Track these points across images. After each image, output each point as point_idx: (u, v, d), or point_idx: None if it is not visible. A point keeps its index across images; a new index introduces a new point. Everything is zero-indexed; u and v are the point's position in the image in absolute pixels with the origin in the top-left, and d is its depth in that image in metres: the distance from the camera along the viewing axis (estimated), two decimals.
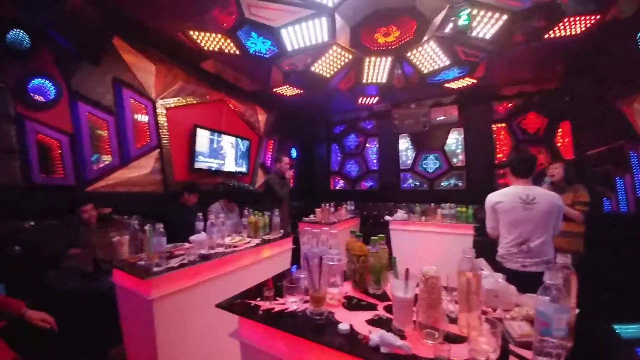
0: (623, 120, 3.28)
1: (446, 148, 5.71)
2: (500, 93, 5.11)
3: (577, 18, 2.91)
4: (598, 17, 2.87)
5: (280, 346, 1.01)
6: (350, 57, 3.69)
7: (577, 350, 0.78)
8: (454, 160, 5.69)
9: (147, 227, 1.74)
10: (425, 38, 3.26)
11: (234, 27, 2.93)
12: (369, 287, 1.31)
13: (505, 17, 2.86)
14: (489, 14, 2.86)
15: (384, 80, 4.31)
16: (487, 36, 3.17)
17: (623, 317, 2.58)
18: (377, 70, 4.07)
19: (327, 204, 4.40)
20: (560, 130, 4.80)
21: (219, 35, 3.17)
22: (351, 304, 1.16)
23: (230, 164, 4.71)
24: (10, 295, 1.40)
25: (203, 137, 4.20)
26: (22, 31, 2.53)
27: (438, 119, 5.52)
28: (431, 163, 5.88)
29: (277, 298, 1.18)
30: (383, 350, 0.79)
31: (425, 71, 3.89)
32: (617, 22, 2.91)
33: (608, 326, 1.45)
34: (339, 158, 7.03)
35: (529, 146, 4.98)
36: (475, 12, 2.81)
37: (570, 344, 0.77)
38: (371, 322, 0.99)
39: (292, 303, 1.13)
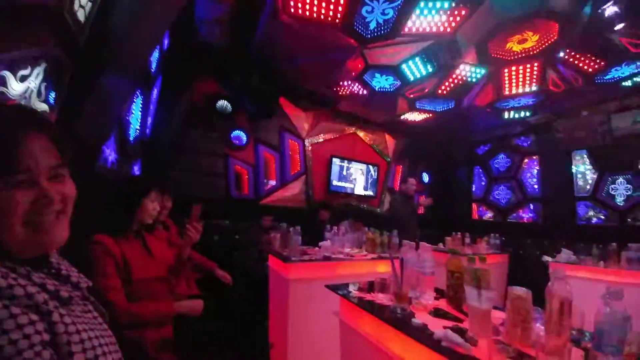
0: None
1: None
2: None
3: None
4: None
5: (366, 327, 1.21)
6: (482, 72, 3.44)
7: None
8: None
9: (291, 229, 2.39)
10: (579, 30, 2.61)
11: (360, 73, 3.50)
12: (463, 305, 1.27)
13: None
14: None
15: (533, 89, 3.64)
16: None
17: None
18: (521, 78, 3.52)
19: (461, 234, 3.97)
20: None
21: (350, 82, 3.85)
22: (437, 313, 1.19)
23: (359, 188, 5.23)
24: None
25: (337, 165, 4.96)
26: (225, 101, 4.07)
27: (627, 126, 3.87)
28: (622, 188, 4.11)
29: (371, 293, 1.39)
30: (444, 344, 0.85)
31: (588, 69, 3.02)
32: None
33: None
34: (483, 183, 6.09)
35: None
36: None
37: None
38: (448, 328, 1.02)
39: (381, 298, 1.30)
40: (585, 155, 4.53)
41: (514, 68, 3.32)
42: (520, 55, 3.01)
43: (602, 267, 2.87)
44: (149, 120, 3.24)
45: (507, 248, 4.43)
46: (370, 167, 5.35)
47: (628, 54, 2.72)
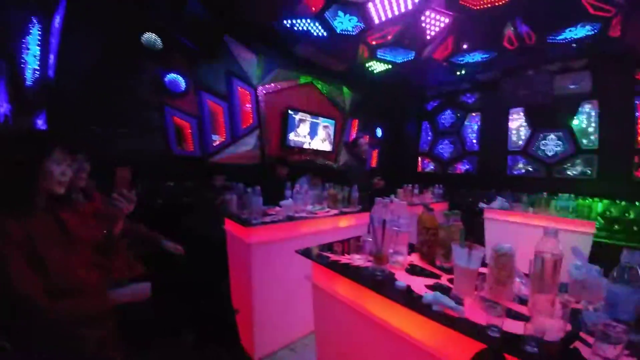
0: None
1: (574, 126, 4.46)
2: None
3: None
4: None
5: (343, 291, 1.14)
6: (446, 21, 3.30)
7: None
8: (584, 141, 4.41)
9: (249, 190, 2.15)
10: None
11: (322, 9, 3.05)
12: (436, 259, 1.28)
13: None
14: None
15: (491, 44, 3.68)
16: None
17: None
18: (482, 32, 3.50)
19: (412, 186, 4.22)
20: None
21: (308, 20, 3.37)
22: (414, 270, 1.18)
23: (316, 143, 5.05)
24: None
25: (293, 118, 4.63)
26: (154, 34, 3.27)
27: (565, 88, 4.33)
28: (552, 144, 4.69)
29: (345, 254, 1.32)
30: (435, 308, 0.82)
31: (544, 27, 3.12)
32: None
33: None
34: (429, 137, 6.46)
35: None
36: None
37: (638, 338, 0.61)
38: (430, 287, 1.00)
39: (357, 260, 1.24)
40: (522, 113, 4.99)
41: (475, 20, 3.24)
42: (486, 6, 2.92)
43: (530, 213, 3.35)
44: (51, 57, 2.51)
45: (447, 197, 4.90)
46: (325, 120, 5.15)
47: (586, 14, 2.80)
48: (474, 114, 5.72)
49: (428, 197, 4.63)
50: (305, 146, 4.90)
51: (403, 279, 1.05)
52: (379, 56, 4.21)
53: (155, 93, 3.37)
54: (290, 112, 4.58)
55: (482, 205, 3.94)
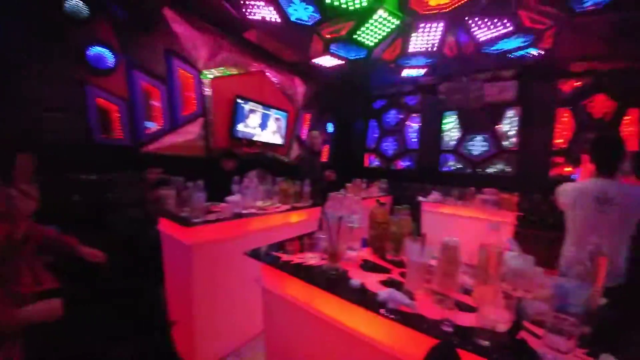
0: None
1: (497, 129, 5.16)
2: (568, 69, 4.42)
3: None
4: None
5: (296, 293, 1.08)
6: (397, 22, 3.42)
7: (594, 338, 0.70)
8: (505, 143, 5.14)
9: (190, 184, 1.92)
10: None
11: None
12: (387, 253, 1.31)
13: None
14: None
15: (434, 49, 3.95)
16: None
17: None
18: (427, 37, 3.73)
19: (361, 180, 4.39)
20: (628, 117, 4.07)
21: (262, 3, 3.16)
22: (367, 266, 1.18)
23: (267, 135, 4.86)
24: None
25: (242, 107, 4.36)
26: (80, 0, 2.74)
27: (493, 95, 4.96)
28: (478, 145, 5.37)
29: (298, 254, 1.25)
30: (390, 305, 0.81)
31: (483, 38, 3.47)
32: None
33: None
34: (376, 135, 6.81)
35: (588, 134, 4.31)
36: None
37: (587, 330, 0.70)
38: (383, 283, 1.01)
39: (311, 258, 1.19)
40: (455, 116, 5.58)
41: (422, 24, 3.43)
42: (433, 11, 3.10)
43: (460, 205, 3.78)
44: None
45: (391, 191, 5.24)
46: (277, 112, 4.98)
47: (522, 27, 3.14)
48: (414, 115, 6.18)
49: (375, 191, 4.88)
50: (255, 138, 4.67)
51: (357, 277, 1.04)
52: (332, 50, 4.20)
53: (74, 68, 2.79)
54: (239, 100, 4.29)
55: (420, 198, 4.30)
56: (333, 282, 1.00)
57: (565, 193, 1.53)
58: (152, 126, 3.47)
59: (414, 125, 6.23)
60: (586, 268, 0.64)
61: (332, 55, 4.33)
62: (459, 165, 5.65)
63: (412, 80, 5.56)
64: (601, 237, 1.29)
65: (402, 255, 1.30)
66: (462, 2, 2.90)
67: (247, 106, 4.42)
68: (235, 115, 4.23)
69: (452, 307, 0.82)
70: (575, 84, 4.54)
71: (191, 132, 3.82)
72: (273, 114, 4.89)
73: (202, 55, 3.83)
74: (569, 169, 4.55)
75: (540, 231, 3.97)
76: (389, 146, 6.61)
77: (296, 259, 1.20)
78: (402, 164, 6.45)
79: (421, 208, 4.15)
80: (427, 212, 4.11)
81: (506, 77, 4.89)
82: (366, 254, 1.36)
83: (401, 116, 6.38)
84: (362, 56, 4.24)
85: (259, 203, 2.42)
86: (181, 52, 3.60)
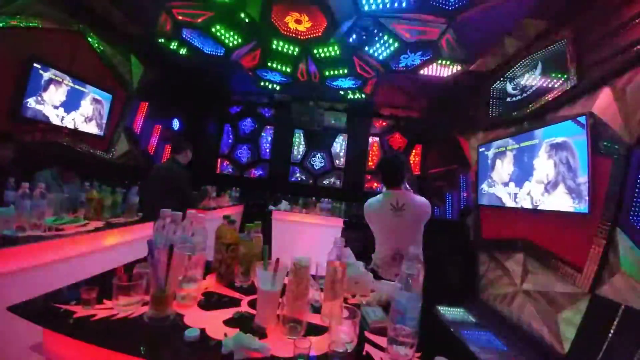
0: (460, 150, 4.36)
1: (332, 150, 6.33)
2: (379, 111, 6.15)
3: (448, 63, 3.57)
4: (463, 66, 3.51)
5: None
6: (249, 34, 3.40)
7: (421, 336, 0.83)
8: (337, 161, 6.34)
9: None
10: (332, 41, 3.38)
11: None
12: (236, 279, 1.17)
13: (396, 44, 3.29)
14: (385, 37, 3.23)
15: (289, 70, 4.23)
16: (381, 57, 3.59)
17: (447, 302, 3.42)
18: (284, 57, 3.94)
19: (210, 187, 3.98)
20: (414, 150, 6.11)
21: None
22: (209, 302, 0.99)
23: (78, 120, 3.50)
24: None
25: (40, 76, 2.94)
26: None
27: (330, 122, 6.03)
28: (318, 161, 6.34)
29: (105, 301, 0.88)
30: (237, 356, 0.68)
31: (327, 73, 4.07)
32: (479, 74, 3.62)
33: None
34: (230, 141, 6.51)
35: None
36: (375, 31, 3.11)
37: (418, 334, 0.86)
38: (229, 322, 0.85)
39: (123, 307, 0.85)
40: (301, 134, 6.24)
41: (282, 44, 3.59)
42: (291, 35, 3.29)
43: (304, 213, 4.19)
44: None
45: (243, 200, 5.13)
46: (99, 92, 3.73)
47: (354, 71, 3.88)
48: (268, 127, 6.42)
49: (226, 200, 4.58)
50: (56, 122, 3.24)
51: (196, 321, 0.83)
52: (184, 37, 3.62)
53: None
54: (36, 65, 2.86)
55: (271, 207, 4.43)
56: (159, 339, 0.74)
57: (370, 205, 1.91)
58: None
59: (267, 137, 6.44)
60: (414, 280, 0.74)
61: (184, 42, 3.77)
62: (303, 177, 6.33)
63: (269, 93, 5.74)
64: (399, 236, 1.75)
65: (252, 277, 1.20)
66: (316, 35, 3.27)
67: (48, 74, 3.03)
68: (25, 84, 2.80)
69: (304, 334, 0.80)
70: (383, 123, 6.27)
71: None
72: (90, 92, 3.60)
73: None
74: (377, 184, 6.10)
75: (360, 233, 5.06)
76: (243, 153, 6.49)
77: (102, 310, 0.83)
78: (255, 172, 6.47)
79: (272, 217, 4.27)
80: (278, 220, 4.27)
81: (340, 108, 6.02)
82: (210, 282, 1.15)
83: (256, 125, 6.45)
84: (220, 54, 3.93)
85: (48, 220, 1.64)
86: None
